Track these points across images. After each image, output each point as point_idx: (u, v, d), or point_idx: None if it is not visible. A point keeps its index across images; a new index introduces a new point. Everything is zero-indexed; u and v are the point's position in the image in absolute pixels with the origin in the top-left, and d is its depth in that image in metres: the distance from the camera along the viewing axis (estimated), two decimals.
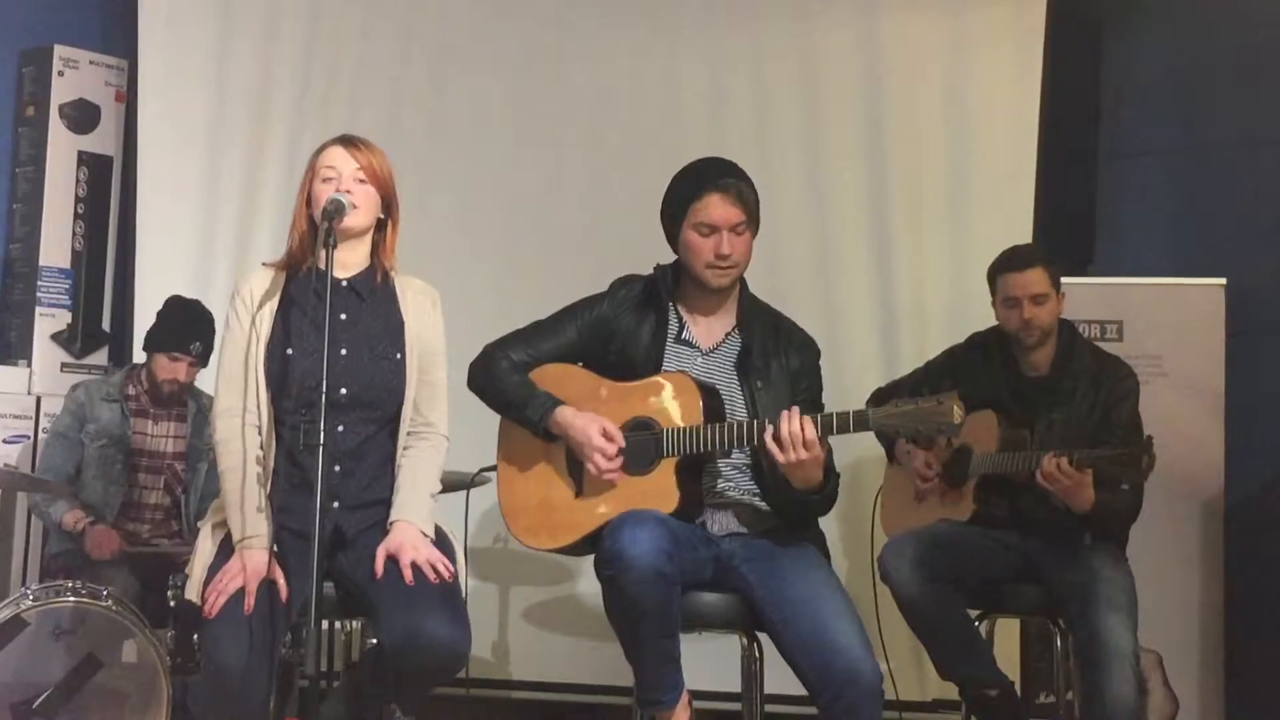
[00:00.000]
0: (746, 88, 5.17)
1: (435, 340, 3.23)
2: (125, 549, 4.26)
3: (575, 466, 3.33)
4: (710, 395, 3.27)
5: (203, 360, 4.45)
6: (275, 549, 3.00)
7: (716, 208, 3.29)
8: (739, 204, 3.29)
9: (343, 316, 3.10)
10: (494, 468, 3.53)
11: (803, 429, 3.07)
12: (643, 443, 3.27)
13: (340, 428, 3.05)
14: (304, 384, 3.02)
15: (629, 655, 3.18)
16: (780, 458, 3.10)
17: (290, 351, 3.10)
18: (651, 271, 3.46)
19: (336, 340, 3.02)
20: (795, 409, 3.12)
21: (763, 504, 3.33)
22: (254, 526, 3.00)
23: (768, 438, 3.11)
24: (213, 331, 4.45)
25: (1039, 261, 3.93)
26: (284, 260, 3.19)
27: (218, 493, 3.15)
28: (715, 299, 3.40)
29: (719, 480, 3.33)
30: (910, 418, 3.05)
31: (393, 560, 3.00)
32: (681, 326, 3.40)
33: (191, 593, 3.04)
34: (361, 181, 3.12)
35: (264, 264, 3.23)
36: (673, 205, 3.38)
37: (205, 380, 4.35)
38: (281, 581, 2.97)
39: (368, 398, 3.10)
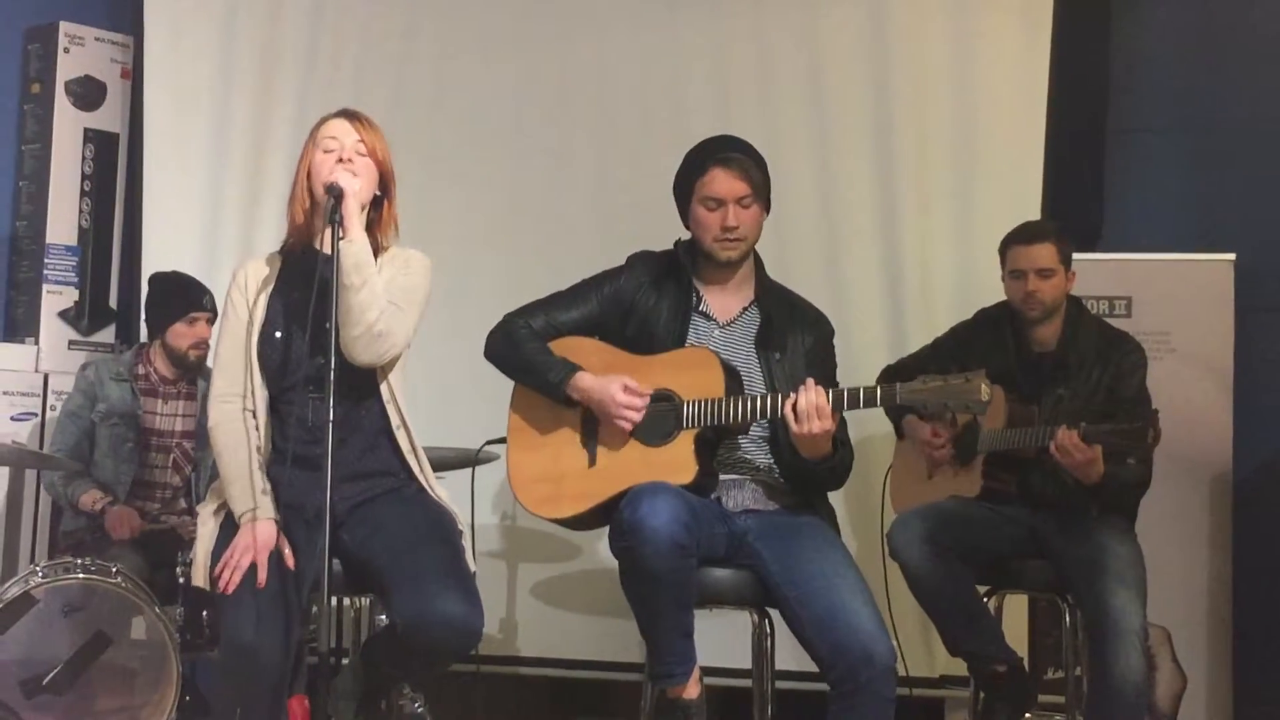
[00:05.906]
0: (752, 67, 5.13)
1: (401, 275, 3.17)
2: (146, 528, 4.25)
3: (589, 437, 3.32)
4: (731, 374, 3.27)
5: (215, 314, 4.41)
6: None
7: (721, 181, 3.31)
8: (743, 177, 3.31)
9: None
10: (501, 440, 3.52)
11: (818, 401, 3.08)
12: (662, 414, 3.26)
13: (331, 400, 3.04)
14: (304, 362, 3.05)
15: (643, 628, 3.18)
16: (795, 429, 3.11)
17: (281, 333, 3.12)
18: (671, 247, 3.47)
19: (326, 315, 3.00)
20: (813, 381, 3.13)
21: (778, 479, 3.33)
22: (258, 499, 3.02)
23: (787, 407, 3.11)
24: (205, 288, 4.48)
25: (1050, 236, 3.92)
26: (286, 237, 3.21)
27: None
28: (730, 273, 3.40)
29: (735, 454, 3.33)
30: (938, 394, 3.05)
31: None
32: (699, 300, 3.41)
33: (197, 577, 3.05)
34: (361, 154, 3.13)
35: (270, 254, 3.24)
36: (682, 183, 3.41)
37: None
38: (288, 551, 3.00)
39: (349, 368, 3.07)
